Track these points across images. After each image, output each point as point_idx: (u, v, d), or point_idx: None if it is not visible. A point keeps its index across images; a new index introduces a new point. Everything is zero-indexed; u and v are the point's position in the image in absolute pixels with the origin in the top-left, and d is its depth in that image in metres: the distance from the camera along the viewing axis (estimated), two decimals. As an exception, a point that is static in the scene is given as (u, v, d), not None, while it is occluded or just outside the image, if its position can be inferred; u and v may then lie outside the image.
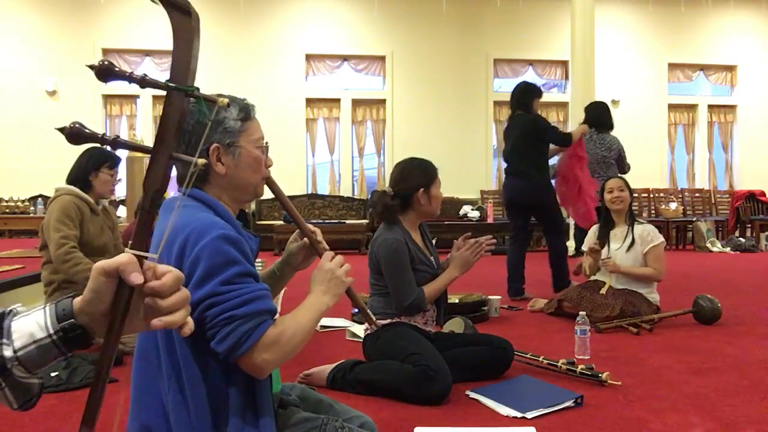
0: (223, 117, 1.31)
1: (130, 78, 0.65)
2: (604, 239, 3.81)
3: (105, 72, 0.64)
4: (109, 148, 0.70)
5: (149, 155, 0.68)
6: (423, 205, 2.51)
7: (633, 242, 3.71)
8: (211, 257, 1.18)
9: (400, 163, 2.60)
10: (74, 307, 0.69)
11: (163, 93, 0.68)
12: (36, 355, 0.69)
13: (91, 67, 0.64)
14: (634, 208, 3.95)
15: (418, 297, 2.42)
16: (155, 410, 1.22)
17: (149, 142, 7.77)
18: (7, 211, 9.64)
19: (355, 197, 10.48)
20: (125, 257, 0.65)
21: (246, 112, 1.34)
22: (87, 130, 0.65)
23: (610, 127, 5.49)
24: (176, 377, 1.21)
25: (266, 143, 1.39)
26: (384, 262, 2.45)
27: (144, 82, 0.66)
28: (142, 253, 0.66)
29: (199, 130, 1.29)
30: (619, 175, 4.91)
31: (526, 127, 4.55)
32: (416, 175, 2.52)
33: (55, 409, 2.19)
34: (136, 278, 0.65)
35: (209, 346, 1.19)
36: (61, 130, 0.65)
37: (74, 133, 0.65)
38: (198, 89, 0.68)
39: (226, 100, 0.70)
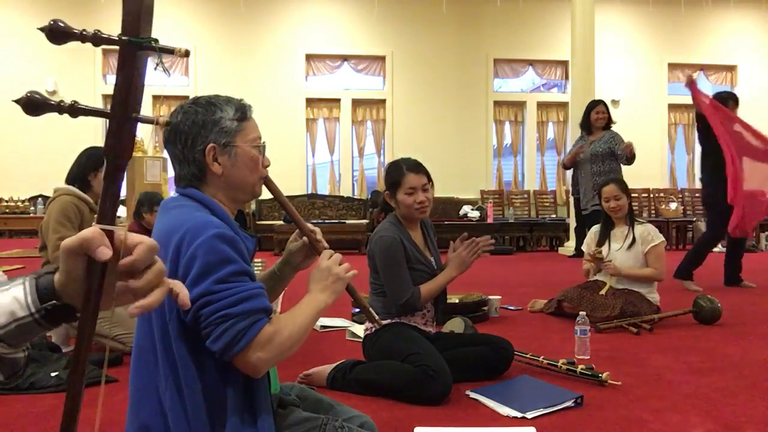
0: (219, 117, 1.31)
1: (81, 37, 0.62)
2: (604, 240, 3.81)
3: (56, 33, 0.62)
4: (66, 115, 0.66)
5: (116, 121, 0.64)
6: (396, 208, 2.53)
7: (633, 241, 3.71)
8: (206, 255, 1.18)
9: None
10: (56, 284, 0.65)
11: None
12: (17, 333, 0.66)
13: (42, 29, 0.62)
14: (633, 207, 3.96)
15: (413, 296, 2.41)
16: (154, 410, 1.22)
17: (149, 142, 7.72)
18: (7, 211, 9.64)
19: (355, 197, 10.48)
20: (89, 231, 0.61)
21: (242, 111, 1.34)
22: (39, 97, 0.63)
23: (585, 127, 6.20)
24: (173, 376, 1.21)
25: (263, 143, 1.38)
26: (378, 260, 2.45)
27: (96, 38, 0.62)
28: (109, 227, 0.62)
29: (195, 130, 1.29)
30: (615, 177, 4.91)
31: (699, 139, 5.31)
32: (386, 177, 2.58)
33: (56, 409, 2.18)
34: (103, 252, 0.60)
35: (205, 345, 1.19)
36: (18, 101, 0.63)
37: (30, 103, 0.63)
38: (156, 41, 0.63)
39: (184, 49, 0.65)
